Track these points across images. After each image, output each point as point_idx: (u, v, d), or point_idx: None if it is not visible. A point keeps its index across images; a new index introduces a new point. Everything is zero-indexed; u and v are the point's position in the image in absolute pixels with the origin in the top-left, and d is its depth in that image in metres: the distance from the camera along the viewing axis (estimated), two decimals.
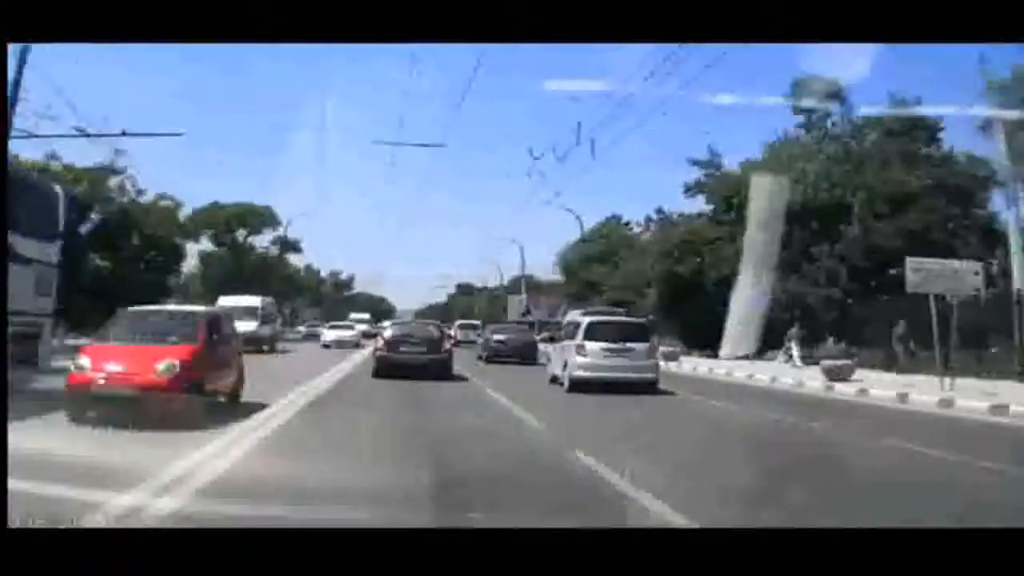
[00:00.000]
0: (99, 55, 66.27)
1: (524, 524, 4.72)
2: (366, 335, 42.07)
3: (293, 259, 68.87)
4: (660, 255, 37.58)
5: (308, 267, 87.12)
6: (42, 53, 19.79)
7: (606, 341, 17.01)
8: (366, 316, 63.73)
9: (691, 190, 39.04)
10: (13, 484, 4.24)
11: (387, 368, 19.04)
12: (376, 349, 20.23)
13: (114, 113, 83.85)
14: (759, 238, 24.17)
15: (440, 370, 19.16)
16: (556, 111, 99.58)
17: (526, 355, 29.28)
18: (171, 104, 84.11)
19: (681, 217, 41.24)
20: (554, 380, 18.76)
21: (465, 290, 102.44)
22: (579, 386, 16.60)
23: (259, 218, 61.78)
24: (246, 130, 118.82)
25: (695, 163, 38.55)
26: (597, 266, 49.95)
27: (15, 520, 3.73)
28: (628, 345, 17.06)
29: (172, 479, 6.14)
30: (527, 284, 64.77)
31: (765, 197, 25.06)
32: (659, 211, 46.71)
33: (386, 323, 24.14)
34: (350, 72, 73.66)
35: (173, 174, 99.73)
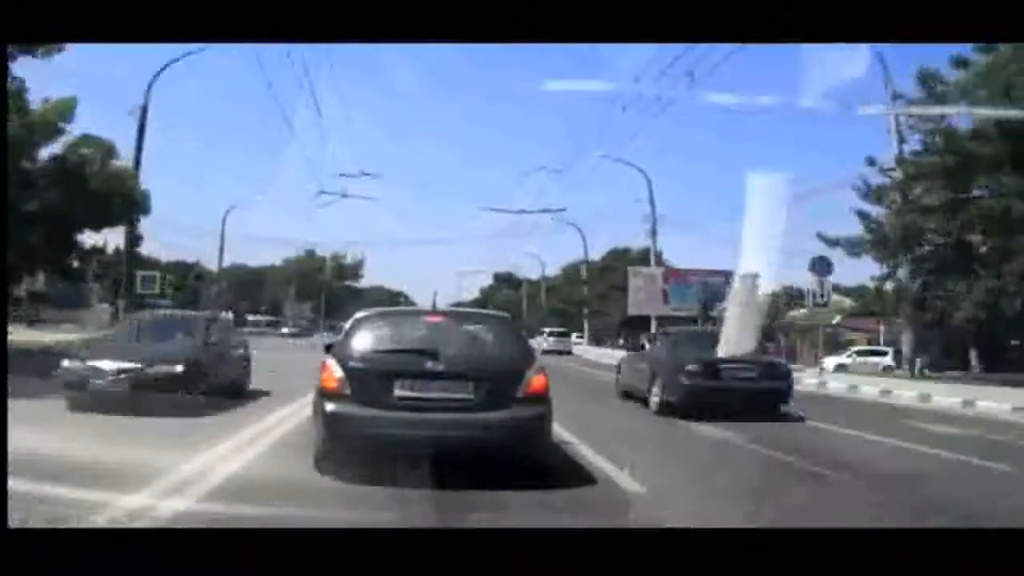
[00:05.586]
0: None
1: (524, 524, 4.73)
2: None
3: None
4: None
5: (311, 252, 74.83)
6: None
7: (553, 337, 46.48)
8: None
9: None
10: (13, 484, 4.24)
11: (352, 451, 6.53)
12: (323, 391, 6.60)
13: None
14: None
15: (525, 457, 6.60)
16: None
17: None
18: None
19: None
20: (545, 352, 36.73)
21: (505, 280, 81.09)
22: (545, 353, 35.05)
23: None
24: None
25: None
26: None
27: (15, 520, 3.74)
28: (562, 338, 47.21)
29: (179, 481, 6.04)
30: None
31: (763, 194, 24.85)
32: None
33: (360, 313, 7.37)
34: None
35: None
